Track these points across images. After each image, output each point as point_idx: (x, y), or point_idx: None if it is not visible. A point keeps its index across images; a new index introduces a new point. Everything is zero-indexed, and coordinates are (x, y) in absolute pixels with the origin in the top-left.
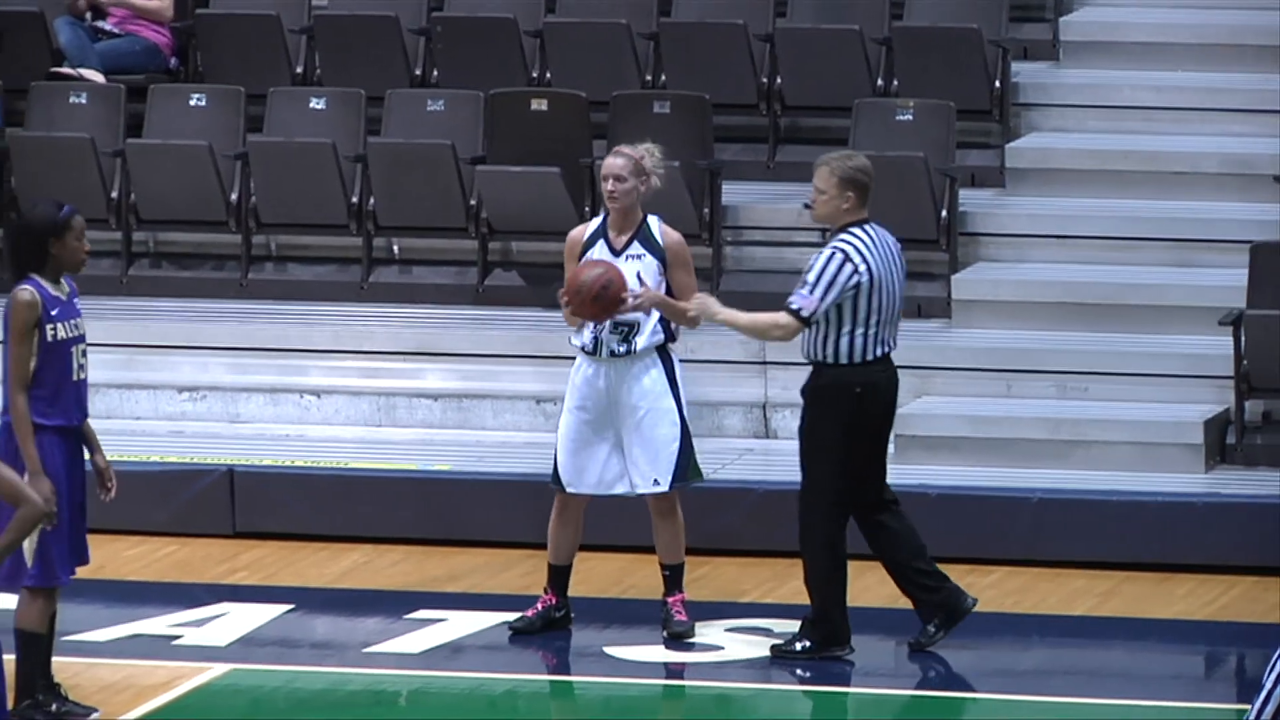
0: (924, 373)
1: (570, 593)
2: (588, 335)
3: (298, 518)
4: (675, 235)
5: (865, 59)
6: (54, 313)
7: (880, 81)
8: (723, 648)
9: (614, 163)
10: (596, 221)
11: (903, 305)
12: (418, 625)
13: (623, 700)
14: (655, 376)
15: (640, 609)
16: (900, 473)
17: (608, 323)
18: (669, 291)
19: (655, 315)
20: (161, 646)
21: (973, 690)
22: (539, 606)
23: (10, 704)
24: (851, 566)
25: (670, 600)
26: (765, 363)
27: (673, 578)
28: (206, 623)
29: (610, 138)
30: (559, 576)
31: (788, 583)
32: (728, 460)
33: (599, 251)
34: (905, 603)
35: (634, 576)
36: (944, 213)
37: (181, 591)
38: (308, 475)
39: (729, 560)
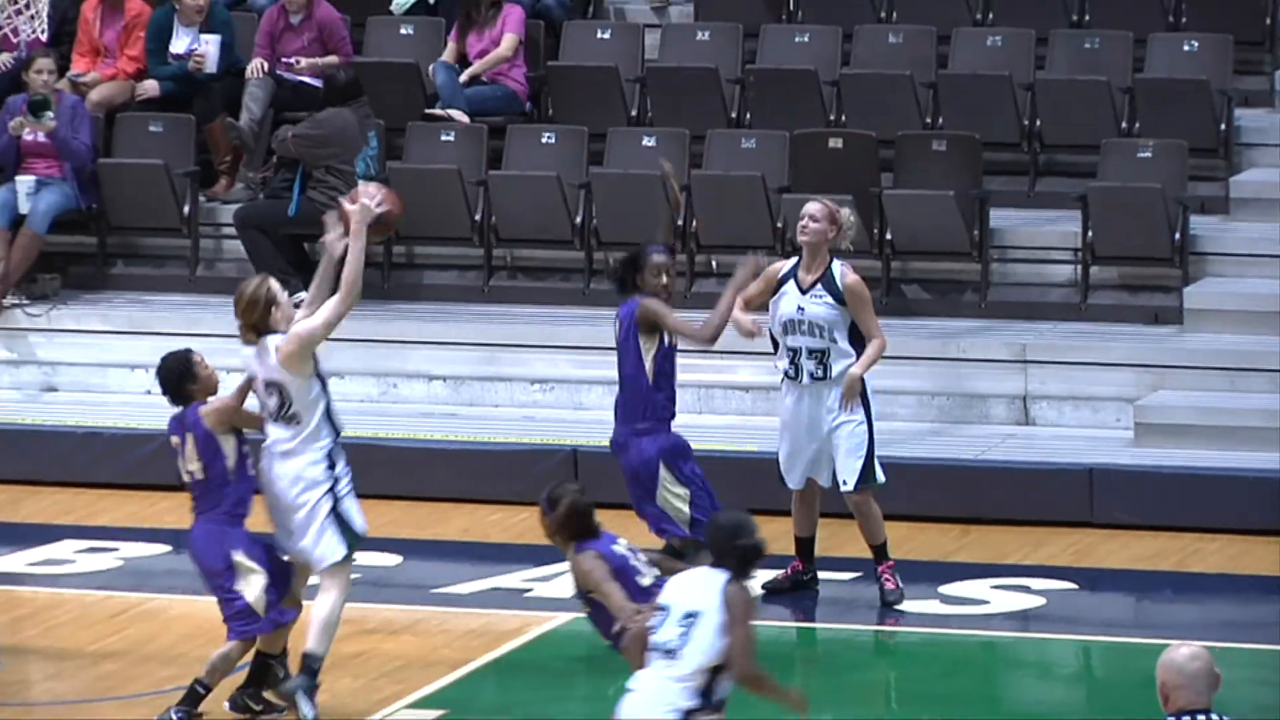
0: (1160, 370)
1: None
2: (787, 362)
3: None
4: (854, 278)
5: (1112, 105)
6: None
7: (1124, 124)
8: (988, 601)
9: (812, 205)
10: (793, 261)
11: None
12: None
13: (892, 646)
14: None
15: (918, 569)
16: (1139, 455)
17: (805, 349)
18: (853, 330)
19: (845, 344)
20: (515, 598)
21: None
22: (789, 571)
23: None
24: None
25: (880, 569)
26: (1026, 361)
27: (878, 552)
28: (554, 578)
29: (896, 171)
30: (803, 546)
31: (1043, 548)
32: (993, 444)
33: (789, 288)
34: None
35: (913, 542)
36: (1177, 235)
37: (533, 552)
38: None
39: (994, 529)
